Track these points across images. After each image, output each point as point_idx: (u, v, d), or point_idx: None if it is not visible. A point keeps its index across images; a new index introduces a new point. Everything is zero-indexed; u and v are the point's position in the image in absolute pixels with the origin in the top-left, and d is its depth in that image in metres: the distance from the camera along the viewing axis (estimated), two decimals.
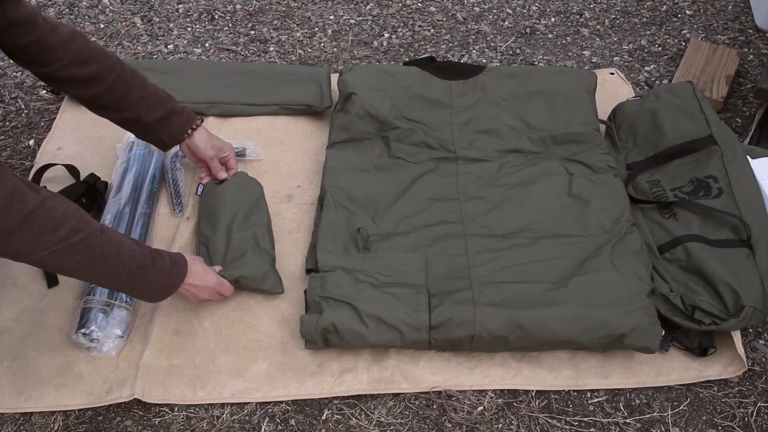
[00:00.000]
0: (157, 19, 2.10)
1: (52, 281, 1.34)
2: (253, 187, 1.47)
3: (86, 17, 2.09)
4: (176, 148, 1.43)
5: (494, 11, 2.18)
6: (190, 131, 1.39)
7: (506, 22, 2.14)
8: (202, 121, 1.42)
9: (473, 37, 2.08)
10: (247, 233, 1.36)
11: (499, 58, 2.00)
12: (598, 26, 2.14)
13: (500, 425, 1.19)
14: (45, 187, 1.45)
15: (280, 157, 1.63)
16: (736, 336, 1.25)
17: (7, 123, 1.73)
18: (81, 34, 1.22)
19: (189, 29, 2.07)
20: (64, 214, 0.98)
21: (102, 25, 2.07)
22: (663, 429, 1.19)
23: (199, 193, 1.48)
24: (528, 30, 2.11)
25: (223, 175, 1.46)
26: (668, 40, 2.07)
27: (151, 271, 1.11)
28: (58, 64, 1.18)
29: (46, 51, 1.17)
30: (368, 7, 2.19)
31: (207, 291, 1.23)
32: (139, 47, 1.99)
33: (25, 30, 1.13)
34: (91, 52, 1.21)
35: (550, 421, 1.20)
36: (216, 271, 1.27)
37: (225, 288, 1.27)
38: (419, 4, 2.21)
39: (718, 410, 1.22)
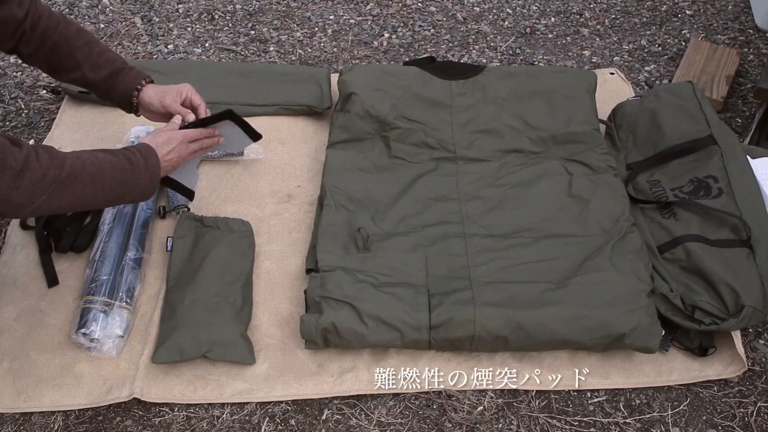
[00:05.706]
0: (157, 19, 2.10)
1: (52, 281, 1.34)
2: (239, 241, 1.38)
3: (86, 17, 2.09)
4: None
5: (494, 11, 2.18)
6: (138, 89, 1.32)
7: (506, 22, 2.14)
8: (152, 80, 1.35)
9: (473, 37, 2.08)
10: (218, 299, 1.28)
11: (499, 58, 2.00)
12: (598, 26, 2.13)
13: (500, 425, 1.19)
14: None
15: (280, 157, 1.63)
16: (736, 336, 1.25)
17: (7, 123, 1.73)
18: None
19: (189, 29, 2.07)
20: (44, 157, 1.03)
21: (102, 25, 2.07)
22: (663, 429, 1.19)
23: (168, 248, 1.38)
24: (528, 30, 2.11)
25: (191, 117, 1.31)
26: (668, 40, 2.07)
27: (131, 172, 1.13)
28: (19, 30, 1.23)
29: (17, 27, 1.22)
30: (368, 7, 2.19)
31: (182, 147, 1.23)
32: (139, 47, 1.99)
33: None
34: (40, 13, 1.25)
35: (550, 421, 1.20)
36: (175, 122, 1.26)
37: (192, 134, 1.25)
38: (419, 4, 2.20)
39: (718, 410, 1.22)
